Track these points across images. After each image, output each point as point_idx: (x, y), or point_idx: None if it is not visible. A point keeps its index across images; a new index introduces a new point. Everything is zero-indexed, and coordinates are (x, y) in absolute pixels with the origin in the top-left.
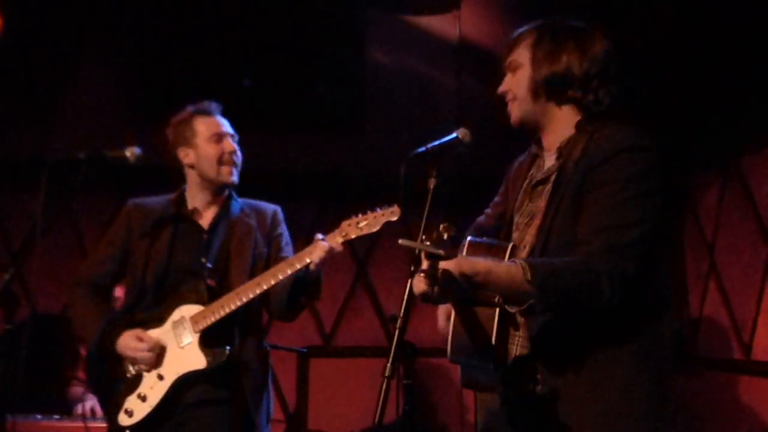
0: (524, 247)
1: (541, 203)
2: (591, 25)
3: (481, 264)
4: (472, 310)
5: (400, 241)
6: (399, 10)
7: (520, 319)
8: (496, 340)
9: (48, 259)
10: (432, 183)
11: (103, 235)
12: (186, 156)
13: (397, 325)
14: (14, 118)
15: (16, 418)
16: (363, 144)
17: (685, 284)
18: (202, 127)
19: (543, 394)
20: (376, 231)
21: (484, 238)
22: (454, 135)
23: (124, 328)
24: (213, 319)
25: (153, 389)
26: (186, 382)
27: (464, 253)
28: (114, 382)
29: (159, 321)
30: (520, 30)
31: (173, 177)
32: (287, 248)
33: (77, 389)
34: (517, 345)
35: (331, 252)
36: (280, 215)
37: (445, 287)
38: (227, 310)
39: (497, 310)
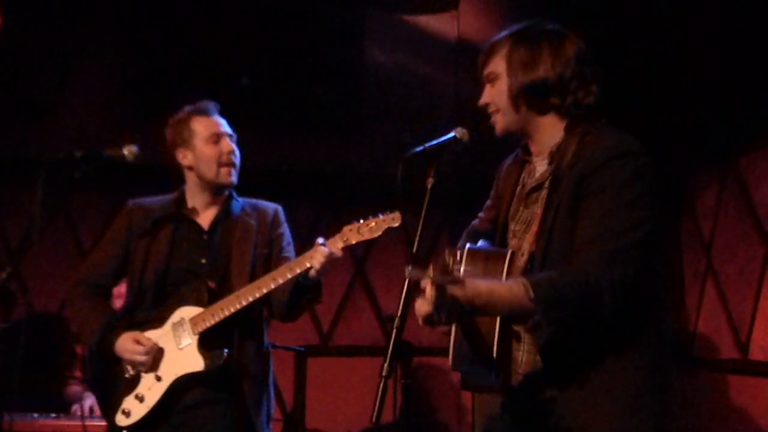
0: (522, 255)
1: (537, 210)
2: (563, 26)
3: (484, 286)
4: (474, 321)
5: (407, 272)
6: (397, 9)
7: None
8: (497, 351)
9: (45, 257)
10: (430, 182)
11: (103, 234)
12: (184, 158)
13: (395, 325)
14: (11, 117)
15: (13, 417)
16: (361, 143)
17: (683, 284)
18: (199, 127)
19: (548, 401)
20: (377, 237)
21: (482, 246)
22: (452, 134)
23: (123, 330)
24: (212, 322)
25: (151, 390)
26: (184, 383)
27: (463, 261)
28: (113, 381)
29: (159, 322)
30: (496, 38)
31: (171, 176)
32: (288, 248)
33: (75, 388)
34: (523, 351)
35: (331, 257)
36: (282, 214)
37: (452, 313)
38: (226, 313)
39: (498, 319)
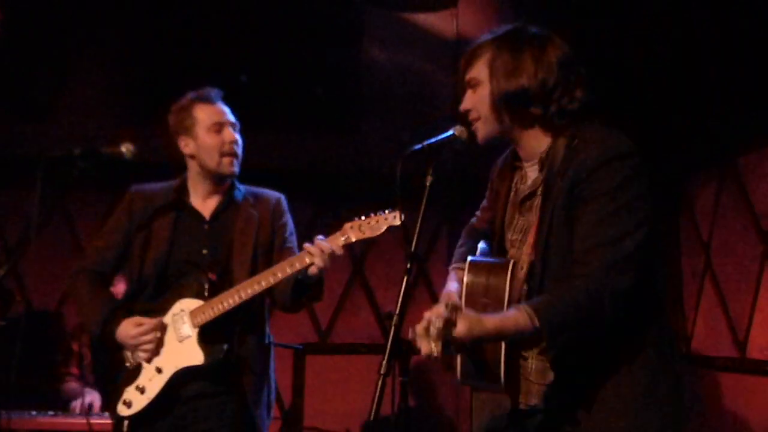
0: (522, 267)
1: (533, 218)
2: (549, 30)
3: (491, 323)
4: (480, 346)
5: (412, 334)
6: (396, 7)
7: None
8: (505, 372)
9: (43, 255)
10: (429, 180)
11: (105, 223)
12: (186, 146)
13: (393, 322)
14: (10, 116)
15: (10, 414)
16: (359, 141)
17: (681, 283)
18: (202, 115)
19: (562, 411)
20: (378, 235)
21: (483, 257)
22: (450, 132)
23: (123, 318)
24: (212, 315)
25: (151, 381)
26: (184, 376)
27: (465, 275)
28: (115, 372)
29: (160, 312)
30: (478, 42)
31: (169, 174)
32: (291, 238)
33: (72, 385)
34: (533, 358)
35: (332, 254)
36: (284, 203)
37: (457, 350)
38: (226, 306)
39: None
